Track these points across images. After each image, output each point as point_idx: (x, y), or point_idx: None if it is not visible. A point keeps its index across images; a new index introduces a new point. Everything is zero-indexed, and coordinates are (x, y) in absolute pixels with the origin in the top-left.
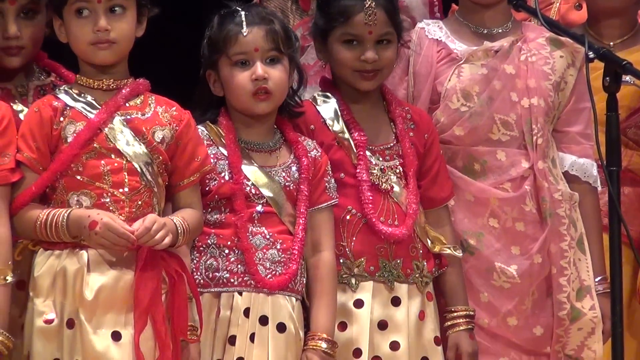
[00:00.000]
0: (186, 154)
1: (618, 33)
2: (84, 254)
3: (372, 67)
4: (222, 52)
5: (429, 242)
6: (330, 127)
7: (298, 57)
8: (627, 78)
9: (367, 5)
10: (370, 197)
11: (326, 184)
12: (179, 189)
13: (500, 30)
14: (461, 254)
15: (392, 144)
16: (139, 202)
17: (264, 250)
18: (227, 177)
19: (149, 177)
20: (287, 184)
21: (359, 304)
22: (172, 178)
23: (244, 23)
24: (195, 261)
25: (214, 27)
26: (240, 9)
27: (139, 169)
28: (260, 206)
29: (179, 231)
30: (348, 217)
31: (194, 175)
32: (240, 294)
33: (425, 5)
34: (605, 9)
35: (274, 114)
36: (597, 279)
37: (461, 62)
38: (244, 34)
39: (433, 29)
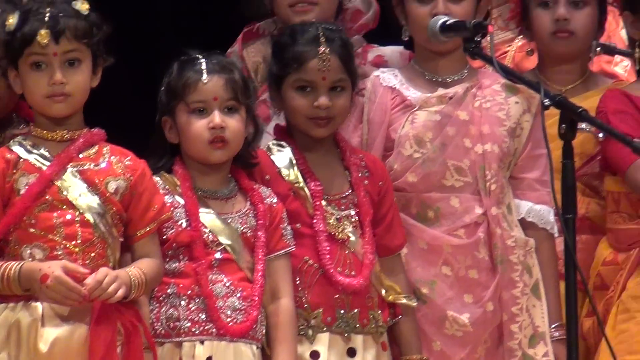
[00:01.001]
0: (142, 203)
1: (569, 79)
2: (38, 306)
3: (325, 114)
4: (180, 99)
5: (384, 291)
6: (285, 177)
7: (254, 108)
8: (583, 125)
9: (321, 52)
10: (327, 248)
11: (283, 232)
12: (136, 239)
13: (455, 78)
14: (415, 303)
15: (347, 193)
16: (93, 254)
17: (225, 299)
18: (184, 225)
19: (102, 229)
20: (244, 230)
21: (315, 355)
22: (129, 228)
23: (205, 71)
24: (155, 311)
25: (173, 73)
26: (200, 57)
27: (92, 221)
28: (218, 253)
29: (133, 283)
30: (305, 267)
31: (151, 225)
32: (202, 342)
33: (404, 59)
34: (557, 55)
35: (229, 163)
36: (553, 326)
37: (415, 109)
38: (204, 81)
39: (388, 77)
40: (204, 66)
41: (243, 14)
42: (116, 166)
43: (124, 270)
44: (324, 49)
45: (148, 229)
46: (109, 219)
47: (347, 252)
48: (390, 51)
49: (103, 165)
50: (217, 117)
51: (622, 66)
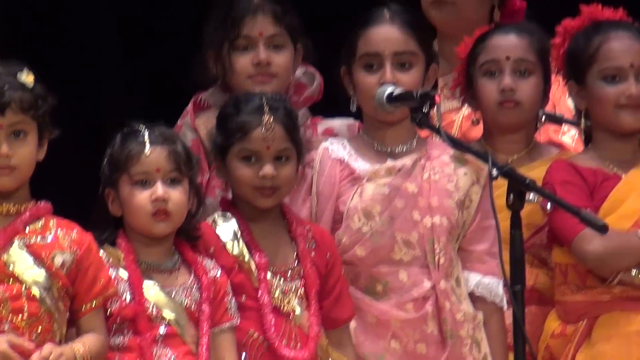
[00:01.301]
0: (88, 278)
1: (515, 148)
2: None
3: (270, 184)
4: (123, 171)
5: None
6: (230, 250)
7: (197, 179)
8: (531, 196)
9: (265, 121)
10: (272, 321)
11: (227, 305)
12: (81, 314)
13: (404, 148)
14: None
15: (293, 265)
16: (39, 329)
17: None
18: (128, 299)
19: (48, 303)
20: (188, 304)
21: None
22: (74, 303)
23: (147, 142)
24: None
25: (115, 145)
26: (143, 128)
27: (38, 295)
28: (162, 327)
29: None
30: (250, 341)
31: (97, 300)
32: None
33: (352, 131)
34: (503, 125)
35: (173, 235)
36: None
37: (363, 181)
38: (147, 153)
39: (336, 148)
40: (146, 137)
41: (192, 81)
42: (63, 240)
43: (69, 347)
44: (267, 118)
45: (94, 303)
46: (55, 293)
47: (292, 325)
48: (339, 124)
49: (49, 239)
50: (159, 188)
51: (569, 135)
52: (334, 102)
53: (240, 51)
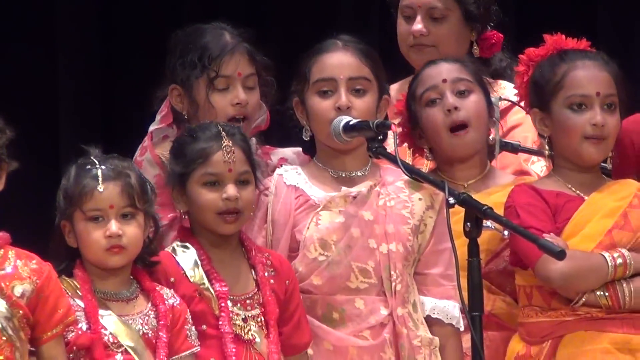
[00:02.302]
0: (48, 307)
1: (470, 174)
2: None
3: (234, 206)
4: (76, 206)
5: None
6: (190, 278)
7: (153, 209)
8: (488, 223)
9: (224, 144)
10: (234, 350)
11: (187, 332)
12: (41, 342)
13: (359, 174)
14: None
15: (252, 293)
16: (1, 358)
17: None
18: (84, 328)
19: (10, 332)
20: (145, 331)
21: None
22: (35, 331)
23: (100, 179)
24: None
25: (70, 178)
26: (97, 162)
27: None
28: (119, 355)
29: None
30: None
31: (57, 328)
32: None
33: (303, 161)
34: (460, 156)
35: (129, 265)
36: None
37: (319, 209)
38: (100, 190)
39: (291, 176)
40: (99, 174)
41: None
42: (22, 270)
43: None
44: (227, 141)
45: (54, 331)
46: (16, 322)
47: (252, 353)
48: (290, 153)
49: (9, 269)
50: (113, 226)
51: (540, 165)
52: (280, 133)
53: (218, 91)
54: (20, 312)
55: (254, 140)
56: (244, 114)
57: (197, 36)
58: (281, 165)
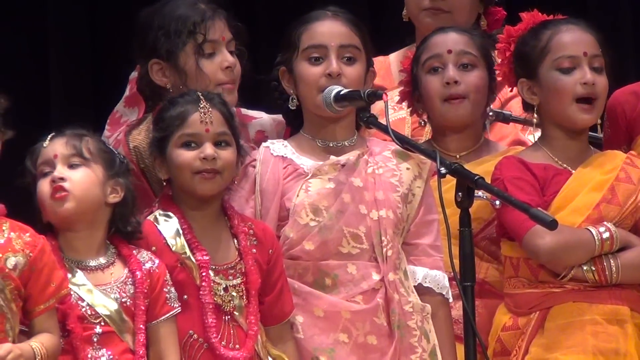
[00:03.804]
0: (41, 279)
1: (464, 146)
2: None
3: (211, 166)
4: (33, 167)
5: None
6: (172, 247)
7: (128, 178)
8: (480, 193)
9: (201, 105)
10: (213, 321)
11: (167, 295)
12: (34, 315)
13: (346, 144)
14: None
15: (235, 262)
16: None
17: None
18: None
19: (1, 304)
20: (123, 300)
21: None
22: (28, 304)
23: (49, 137)
24: None
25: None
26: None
27: None
28: (98, 327)
29: (37, 358)
30: (190, 341)
31: (50, 301)
32: None
33: (279, 127)
34: (451, 124)
35: (102, 232)
36: None
37: (308, 177)
38: (44, 145)
39: (278, 147)
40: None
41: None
42: (15, 242)
43: (27, 345)
44: (204, 103)
45: (48, 304)
46: (7, 294)
47: (232, 324)
48: (269, 119)
49: (2, 241)
50: (56, 172)
51: (537, 135)
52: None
53: (207, 57)
54: (12, 284)
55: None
56: (233, 78)
57: (172, 8)
58: (259, 141)
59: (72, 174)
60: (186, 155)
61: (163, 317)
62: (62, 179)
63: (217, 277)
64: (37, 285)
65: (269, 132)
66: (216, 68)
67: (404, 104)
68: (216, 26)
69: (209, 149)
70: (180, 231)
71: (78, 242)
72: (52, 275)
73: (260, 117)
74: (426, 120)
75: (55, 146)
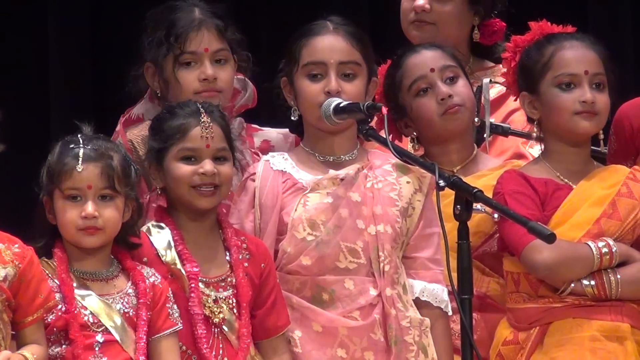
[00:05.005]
0: (30, 291)
1: (458, 158)
2: None
3: (210, 181)
4: (56, 184)
5: None
6: (163, 259)
7: (135, 192)
8: (478, 206)
9: (202, 120)
10: (203, 332)
11: (169, 310)
12: (23, 326)
13: (346, 158)
14: None
15: (225, 275)
16: None
17: None
18: (64, 309)
19: None
20: (126, 310)
21: None
22: (16, 315)
23: (80, 159)
24: None
25: (54, 155)
26: (81, 141)
27: None
28: (100, 335)
29: None
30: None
31: (38, 312)
32: None
33: (289, 142)
34: (453, 134)
35: (109, 246)
36: None
37: (307, 191)
38: (79, 170)
39: (277, 161)
40: (80, 153)
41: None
42: (4, 254)
43: (20, 354)
44: (205, 117)
45: (36, 316)
46: None
47: (221, 336)
48: (275, 135)
49: None
50: (89, 207)
51: (537, 149)
52: (268, 112)
53: (185, 67)
54: (3, 295)
55: (240, 120)
56: (214, 89)
57: (167, 13)
58: (264, 150)
59: (104, 210)
60: (185, 169)
61: (165, 332)
62: (95, 217)
63: (207, 289)
64: (26, 296)
65: (274, 142)
66: (193, 79)
67: None
68: (199, 37)
69: (208, 165)
70: (172, 243)
71: (89, 256)
72: (40, 286)
73: (268, 130)
74: (416, 144)
75: (90, 175)
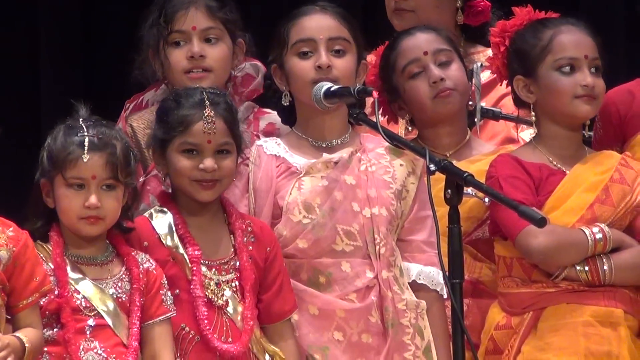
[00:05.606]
0: (24, 274)
1: (451, 142)
2: None
3: (211, 177)
4: (59, 170)
5: (268, 357)
6: (164, 243)
7: (134, 179)
8: (469, 190)
9: (206, 114)
10: (205, 313)
11: (163, 297)
12: (18, 310)
13: (339, 142)
14: None
15: (229, 258)
16: None
17: None
18: (56, 293)
19: None
20: (119, 295)
21: None
22: (11, 299)
23: (86, 148)
24: None
25: (57, 140)
26: (85, 128)
27: None
28: (91, 319)
29: (26, 348)
30: (182, 334)
31: (33, 296)
32: None
33: None
34: (444, 117)
35: (104, 232)
36: None
37: (301, 175)
38: (85, 159)
39: (271, 146)
40: (86, 142)
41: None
42: None
43: (14, 336)
44: (209, 112)
45: (30, 299)
46: None
47: (224, 318)
48: (278, 117)
49: None
50: (93, 197)
51: (528, 133)
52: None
53: (174, 46)
54: None
55: (249, 104)
56: (202, 66)
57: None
58: (268, 133)
59: (105, 200)
60: (185, 163)
61: (158, 319)
62: (97, 208)
63: (209, 272)
64: (21, 280)
65: (280, 124)
66: (181, 57)
67: None
68: (188, 15)
69: (209, 161)
70: (174, 227)
71: (85, 243)
72: (35, 270)
73: (275, 114)
74: (409, 126)
75: (95, 165)
